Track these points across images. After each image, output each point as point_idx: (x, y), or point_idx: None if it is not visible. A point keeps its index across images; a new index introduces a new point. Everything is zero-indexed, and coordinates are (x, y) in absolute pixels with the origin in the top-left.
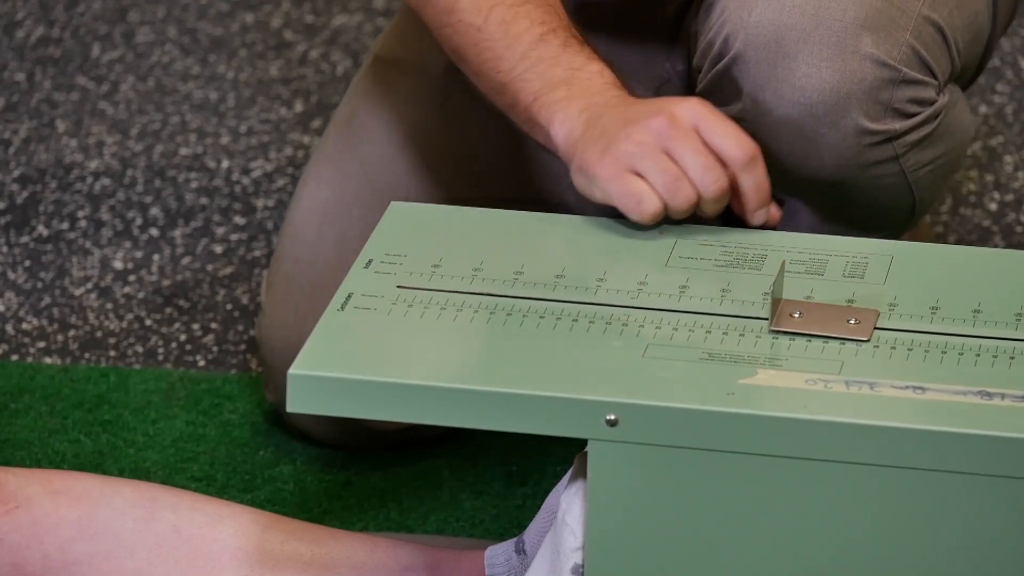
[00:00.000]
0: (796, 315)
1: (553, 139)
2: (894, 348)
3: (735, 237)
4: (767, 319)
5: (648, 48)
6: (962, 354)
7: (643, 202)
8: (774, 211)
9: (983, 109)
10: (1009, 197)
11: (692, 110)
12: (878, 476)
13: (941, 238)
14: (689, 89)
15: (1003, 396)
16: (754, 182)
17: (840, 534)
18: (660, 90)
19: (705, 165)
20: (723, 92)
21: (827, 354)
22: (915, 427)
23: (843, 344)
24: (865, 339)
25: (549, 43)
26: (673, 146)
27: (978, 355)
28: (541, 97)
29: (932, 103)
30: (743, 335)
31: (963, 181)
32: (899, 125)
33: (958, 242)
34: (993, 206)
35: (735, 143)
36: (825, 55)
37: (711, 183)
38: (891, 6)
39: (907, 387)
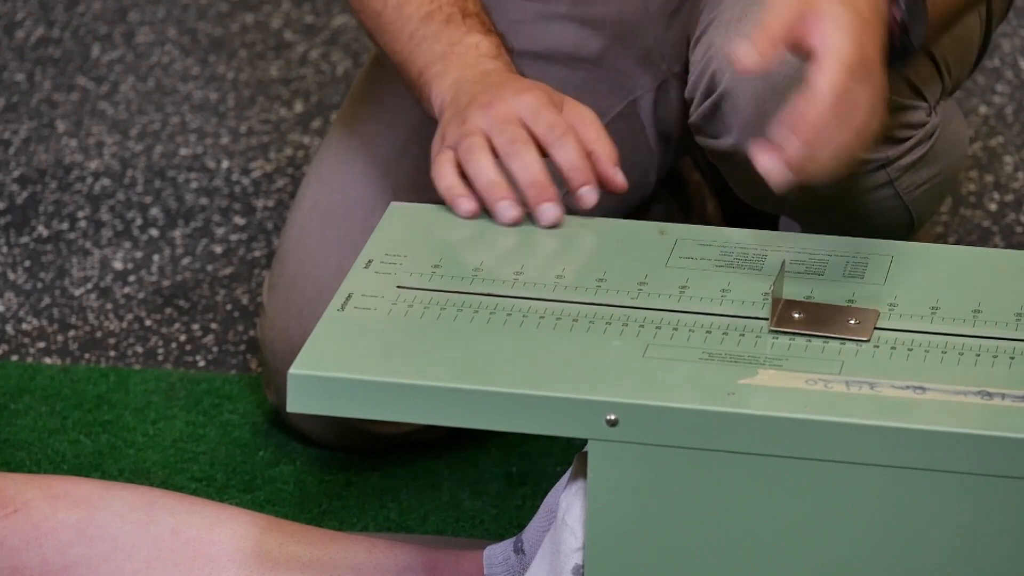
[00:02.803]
0: (797, 315)
1: (433, 111)
2: (894, 348)
3: (735, 237)
4: (767, 319)
5: (644, 49)
6: (962, 354)
7: (456, 202)
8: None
9: (983, 109)
10: (1009, 197)
11: (524, 103)
12: (878, 476)
13: (941, 238)
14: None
15: (1003, 396)
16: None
17: (840, 534)
18: (659, 89)
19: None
20: (714, 126)
21: (827, 354)
22: (915, 427)
23: (843, 344)
24: (865, 339)
25: (433, 20)
26: (496, 139)
27: (978, 355)
28: (424, 73)
29: (923, 125)
30: (743, 335)
31: (963, 181)
32: (891, 151)
33: (958, 242)
34: (993, 206)
35: (547, 124)
36: None
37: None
38: None
39: (907, 387)
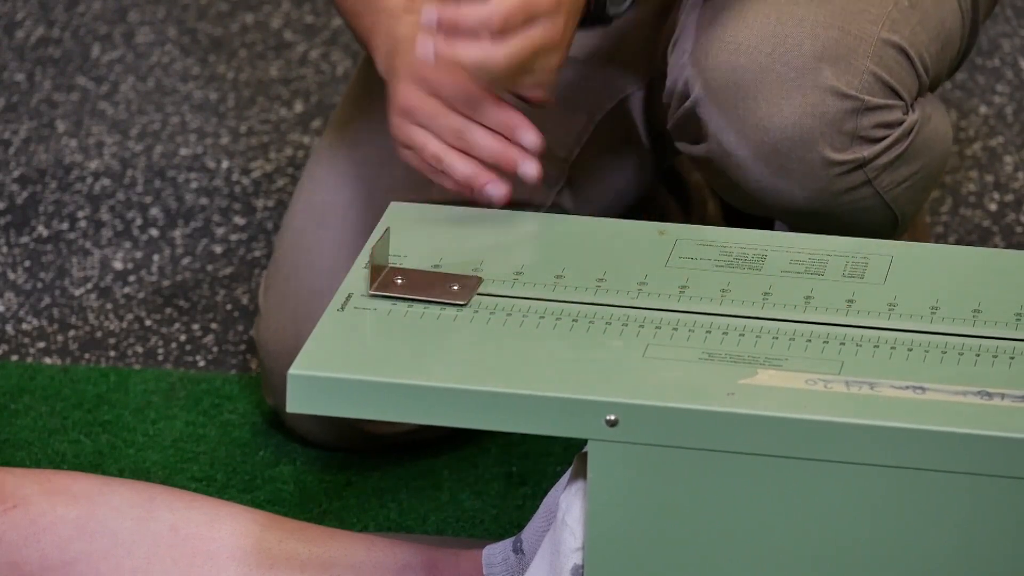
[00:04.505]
0: (399, 280)
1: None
2: (894, 348)
3: (735, 237)
4: (767, 319)
5: (634, 46)
6: (962, 354)
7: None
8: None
9: (983, 109)
10: (1009, 197)
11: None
12: (878, 476)
13: (941, 238)
14: None
15: (1003, 396)
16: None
17: (840, 534)
18: (652, 86)
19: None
20: (690, 132)
21: (827, 354)
22: (915, 427)
23: (842, 344)
24: (463, 303)
25: None
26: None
27: (978, 355)
28: (368, 30)
29: (900, 124)
30: (743, 335)
31: (963, 181)
32: (867, 152)
33: (958, 242)
34: (993, 206)
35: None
36: (784, 92)
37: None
38: (848, 35)
39: (907, 387)
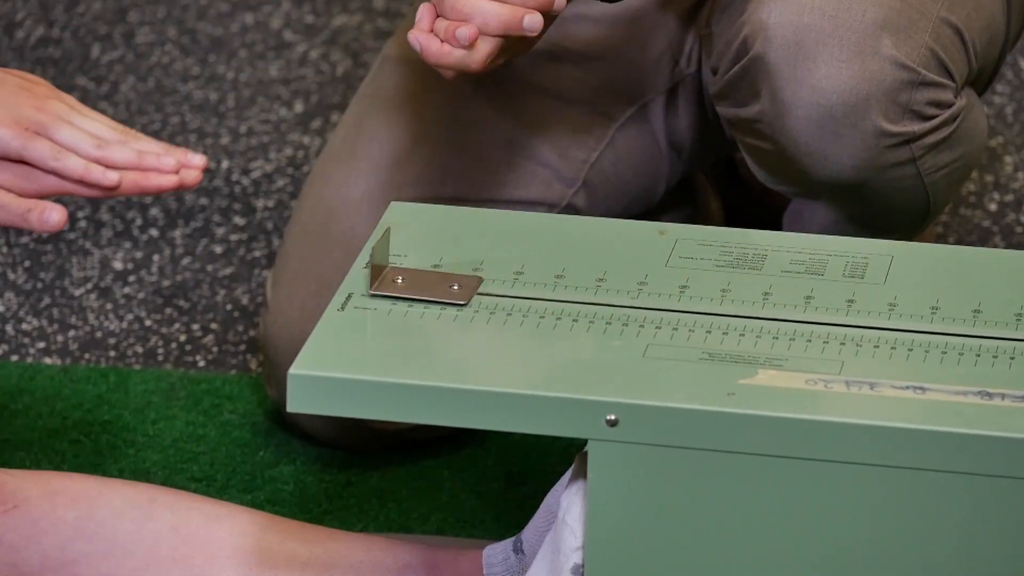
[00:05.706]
0: (399, 280)
1: None
2: (894, 348)
3: (735, 237)
4: (767, 319)
5: (658, 49)
6: (962, 354)
7: None
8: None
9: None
10: (1009, 197)
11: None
12: (878, 476)
13: (941, 238)
14: (699, 90)
15: (1003, 396)
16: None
17: (840, 534)
18: (674, 91)
19: None
20: (741, 93)
21: (827, 354)
22: (916, 427)
23: (842, 344)
24: (463, 303)
25: None
26: None
27: (978, 355)
28: None
29: (950, 105)
30: (743, 335)
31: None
32: (917, 127)
33: (958, 242)
34: (993, 206)
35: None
36: (844, 56)
37: None
38: (910, 8)
39: (907, 387)
